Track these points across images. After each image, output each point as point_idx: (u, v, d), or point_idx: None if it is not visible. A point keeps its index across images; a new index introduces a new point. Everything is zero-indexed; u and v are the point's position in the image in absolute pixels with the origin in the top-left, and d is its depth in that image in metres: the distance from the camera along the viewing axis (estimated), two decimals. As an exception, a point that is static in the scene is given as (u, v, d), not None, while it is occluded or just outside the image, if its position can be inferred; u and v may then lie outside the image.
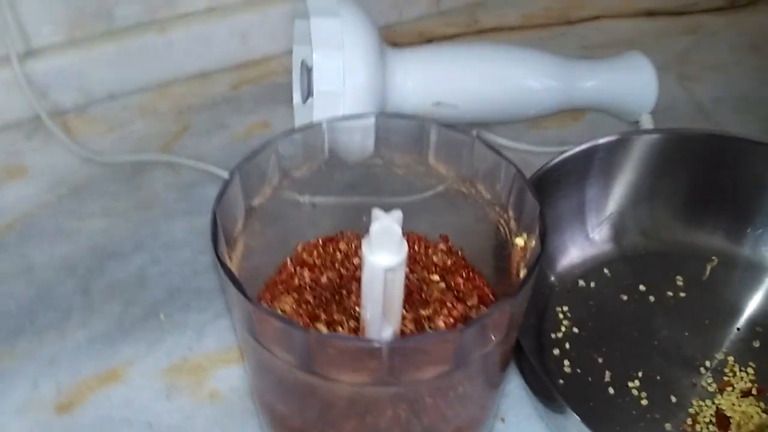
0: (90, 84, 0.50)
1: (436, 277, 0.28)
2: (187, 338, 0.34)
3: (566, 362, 0.33)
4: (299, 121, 0.47)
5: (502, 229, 0.25)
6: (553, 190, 0.33)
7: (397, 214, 0.23)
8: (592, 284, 0.36)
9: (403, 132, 0.27)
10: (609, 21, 0.63)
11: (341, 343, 0.18)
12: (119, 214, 0.41)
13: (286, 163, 0.26)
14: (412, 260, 0.28)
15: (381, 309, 0.24)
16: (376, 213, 0.23)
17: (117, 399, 0.32)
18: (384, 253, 0.22)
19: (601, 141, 0.35)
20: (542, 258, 0.20)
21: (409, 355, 0.19)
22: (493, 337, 0.20)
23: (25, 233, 0.40)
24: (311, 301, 0.27)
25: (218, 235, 0.21)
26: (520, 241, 0.24)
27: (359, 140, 0.28)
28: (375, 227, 0.22)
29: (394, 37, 0.57)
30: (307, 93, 0.41)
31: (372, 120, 0.27)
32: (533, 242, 0.23)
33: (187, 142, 0.47)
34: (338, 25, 0.38)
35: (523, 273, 0.23)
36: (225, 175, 0.43)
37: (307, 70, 0.41)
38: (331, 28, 0.38)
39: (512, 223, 0.25)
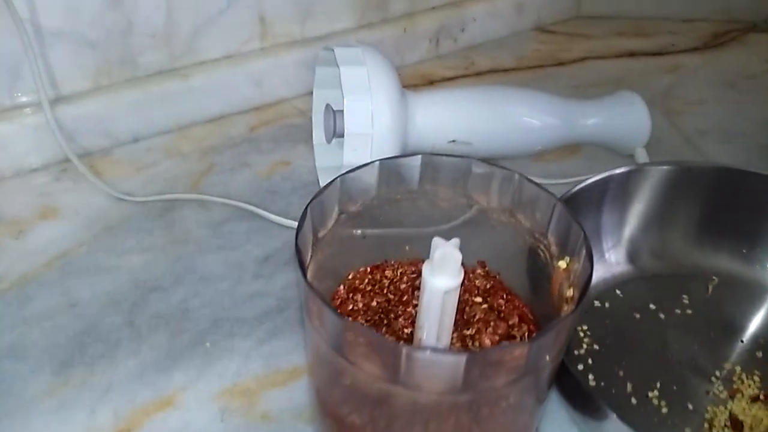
0: (116, 128, 0.52)
1: (478, 299, 0.31)
2: (235, 364, 0.36)
3: (590, 376, 0.36)
4: (320, 158, 0.50)
5: (542, 253, 0.28)
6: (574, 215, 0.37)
7: (456, 241, 0.25)
8: (607, 304, 0.39)
9: (446, 168, 0.30)
10: (595, 62, 0.68)
11: (430, 356, 0.21)
12: (156, 250, 0.43)
13: (345, 198, 0.29)
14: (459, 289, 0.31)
15: (437, 328, 0.26)
16: (437, 241, 0.25)
17: (173, 423, 0.33)
18: (444, 276, 0.25)
19: (616, 172, 0.38)
20: (592, 276, 0.23)
21: (487, 363, 0.21)
22: (554, 348, 0.23)
23: (65, 270, 0.42)
24: (364, 323, 0.30)
25: (303, 261, 0.24)
26: (562, 264, 0.27)
27: (406, 176, 0.30)
28: (437, 253, 0.25)
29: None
30: (333, 134, 0.44)
31: (419, 159, 0.30)
32: (576, 264, 0.26)
33: (213, 180, 0.49)
34: (365, 73, 0.41)
35: (569, 291, 0.26)
36: (256, 210, 0.46)
37: (333, 113, 0.44)
38: (359, 76, 0.41)
39: (552, 248, 0.28)
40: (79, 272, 0.42)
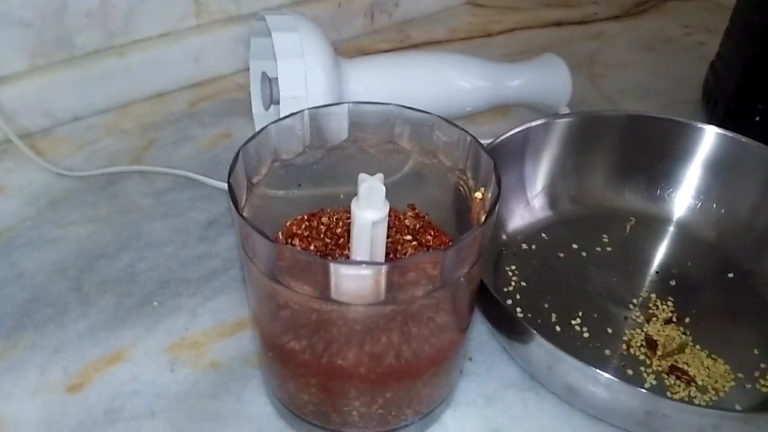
0: (55, 107, 0.52)
1: (408, 237, 0.33)
2: (182, 320, 0.38)
3: (518, 309, 0.38)
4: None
5: (462, 188, 0.31)
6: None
7: (380, 176, 0.28)
8: (533, 246, 0.42)
9: (372, 116, 0.32)
10: (524, 32, 0.71)
11: (354, 268, 0.23)
12: (100, 220, 0.44)
13: (277, 146, 0.31)
14: (387, 226, 0.33)
15: (368, 259, 0.29)
16: (363, 176, 0.27)
17: (124, 376, 0.35)
18: (370, 209, 0.27)
19: (533, 124, 0.41)
20: (500, 199, 0.26)
21: (404, 272, 0.23)
22: (468, 261, 0.25)
23: (11, 244, 0.42)
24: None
25: (236, 197, 0.26)
26: (478, 194, 0.29)
27: (335, 125, 0.32)
28: (363, 187, 0.27)
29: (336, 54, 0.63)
30: (269, 101, 0.46)
31: (346, 107, 0.32)
32: (490, 193, 0.28)
33: (155, 154, 0.50)
34: (297, 38, 0.43)
35: (484, 217, 0.28)
36: (198, 178, 0.47)
37: (268, 81, 0.45)
38: (291, 41, 0.43)
39: (470, 182, 0.30)
40: (24, 245, 0.42)
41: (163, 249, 0.42)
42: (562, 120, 0.42)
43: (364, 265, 0.23)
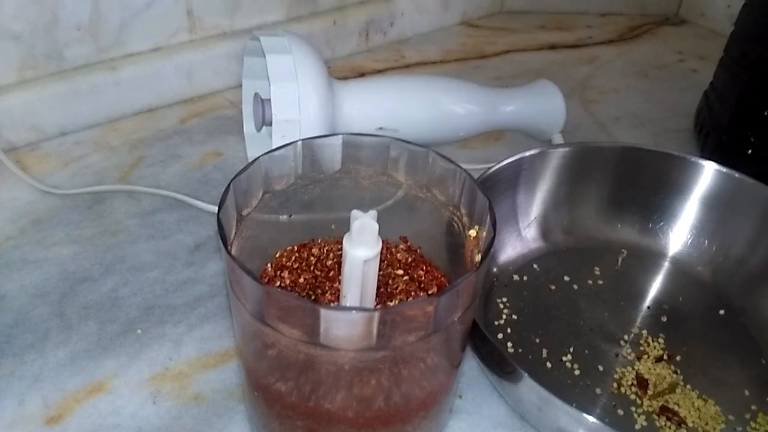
0: (42, 122, 0.52)
1: (400, 272, 0.32)
2: (166, 349, 0.37)
3: (509, 344, 0.38)
4: (251, 148, 0.51)
5: (455, 225, 0.30)
6: (489, 196, 0.39)
7: (373, 213, 0.27)
8: (525, 278, 0.42)
9: (367, 148, 0.31)
10: (518, 54, 0.71)
11: (346, 314, 0.22)
12: (84, 241, 0.43)
13: (269, 178, 0.30)
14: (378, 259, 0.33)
15: (359, 297, 0.28)
16: (356, 213, 0.27)
17: (104, 408, 0.34)
18: (362, 247, 0.27)
19: (527, 154, 0.41)
20: (495, 240, 0.25)
21: (397, 319, 0.23)
22: (461, 305, 0.24)
23: (-10, 264, 0.41)
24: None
25: (225, 234, 0.25)
26: (472, 232, 0.29)
27: (328, 157, 0.32)
28: (355, 225, 0.26)
29: (330, 72, 0.62)
30: (261, 122, 0.45)
31: (340, 138, 0.31)
32: (484, 232, 0.27)
33: (143, 173, 0.49)
34: (291, 60, 0.43)
35: (478, 256, 0.27)
36: (186, 199, 0.46)
37: (261, 102, 0.45)
38: (285, 64, 0.42)
39: (464, 219, 0.30)
40: (6, 265, 0.41)
41: (148, 273, 0.41)
42: (557, 150, 0.42)
43: (355, 311, 0.22)
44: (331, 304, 0.27)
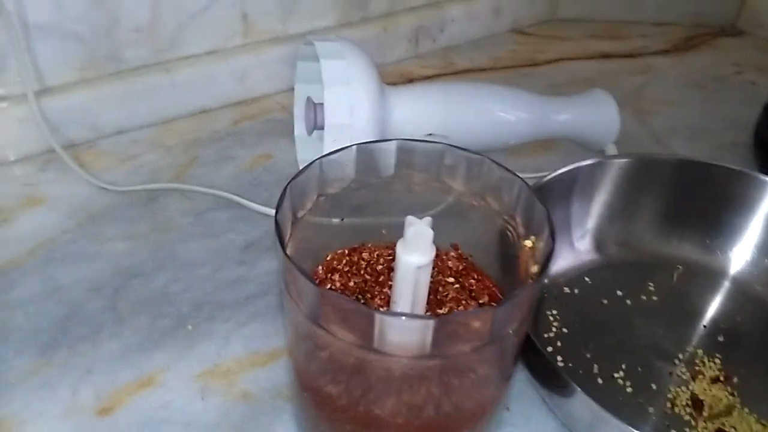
0: (100, 120, 0.53)
1: (451, 279, 0.32)
2: (215, 346, 0.37)
3: (559, 358, 0.37)
4: (302, 151, 0.51)
5: (510, 234, 0.30)
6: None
7: (428, 220, 0.27)
8: (576, 291, 0.41)
9: (420, 154, 0.31)
10: (570, 63, 0.70)
11: (401, 321, 0.22)
12: (138, 237, 0.44)
13: (324, 181, 0.30)
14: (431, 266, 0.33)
15: (410, 304, 0.28)
16: (411, 219, 0.27)
17: (154, 402, 0.34)
18: (416, 253, 0.26)
19: (583, 164, 0.40)
20: (554, 252, 0.25)
21: (453, 328, 0.23)
22: (517, 318, 0.24)
23: (49, 257, 0.43)
24: (340, 300, 0.31)
25: (282, 236, 0.25)
26: (528, 243, 0.28)
27: (382, 162, 0.32)
28: (410, 231, 0.26)
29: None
30: (313, 126, 0.45)
31: (394, 144, 0.31)
32: (541, 242, 0.27)
33: (196, 172, 0.50)
34: (345, 65, 0.43)
35: (534, 268, 0.27)
36: (238, 200, 0.47)
37: (313, 106, 0.45)
38: (339, 69, 0.43)
39: (520, 229, 0.29)
40: (62, 259, 0.43)
41: (199, 270, 0.42)
42: (613, 161, 0.41)
43: (411, 318, 0.22)
44: (387, 310, 0.27)
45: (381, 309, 0.30)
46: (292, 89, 0.52)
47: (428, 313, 0.30)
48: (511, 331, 0.25)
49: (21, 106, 0.49)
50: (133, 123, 0.54)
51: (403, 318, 0.22)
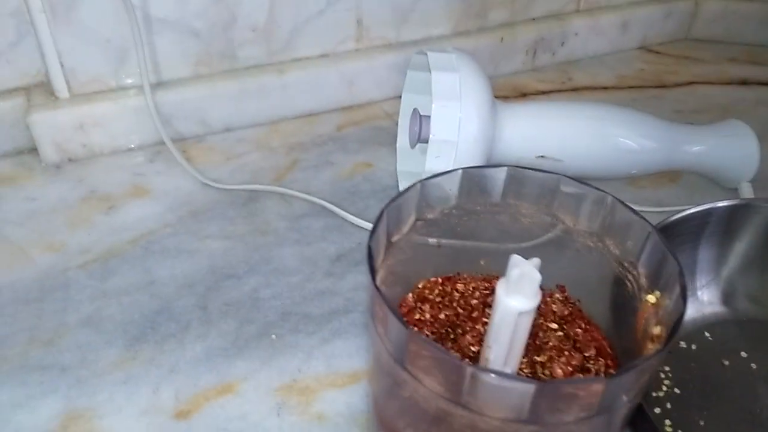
0: (210, 116, 0.54)
1: (554, 325, 0.29)
2: (297, 360, 0.36)
3: (667, 422, 0.33)
4: (402, 163, 0.49)
5: (629, 284, 0.26)
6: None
7: (536, 261, 0.24)
8: (694, 346, 0.36)
9: (532, 184, 0.29)
10: (703, 87, 0.64)
11: (497, 379, 0.20)
12: (235, 237, 0.44)
13: (423, 205, 0.28)
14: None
15: (506, 351, 0.25)
16: (516, 259, 0.24)
17: (231, 411, 0.34)
18: (520, 297, 0.24)
19: (719, 205, 0.36)
20: (684, 315, 0.21)
21: (557, 395, 0.20)
22: (633, 389, 0.21)
23: (148, 249, 0.43)
24: (429, 335, 0.29)
25: (374, 266, 0.23)
26: (651, 298, 0.25)
27: (488, 188, 0.29)
28: (515, 272, 0.23)
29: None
30: (417, 139, 0.43)
31: (504, 171, 0.29)
32: (668, 300, 0.24)
33: (297, 176, 0.50)
34: (457, 79, 0.40)
35: (656, 329, 0.24)
36: (333, 209, 0.46)
37: (419, 118, 0.43)
38: (450, 82, 0.40)
39: (642, 280, 0.26)
40: (161, 252, 0.43)
41: (289, 278, 0.41)
42: (755, 204, 0.36)
43: (509, 379, 0.20)
44: (481, 365, 0.25)
45: (468, 351, 0.28)
46: (400, 97, 0.51)
47: (525, 363, 0.27)
48: (624, 400, 0.22)
49: (137, 97, 0.50)
50: (241, 121, 0.55)
51: (499, 377, 0.20)
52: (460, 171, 0.28)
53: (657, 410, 0.33)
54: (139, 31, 0.48)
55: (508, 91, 0.62)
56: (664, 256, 0.24)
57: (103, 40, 0.49)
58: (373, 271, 0.23)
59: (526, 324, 0.25)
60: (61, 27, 0.47)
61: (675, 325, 0.21)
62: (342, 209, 0.46)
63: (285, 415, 0.33)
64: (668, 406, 0.34)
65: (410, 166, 0.49)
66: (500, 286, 0.24)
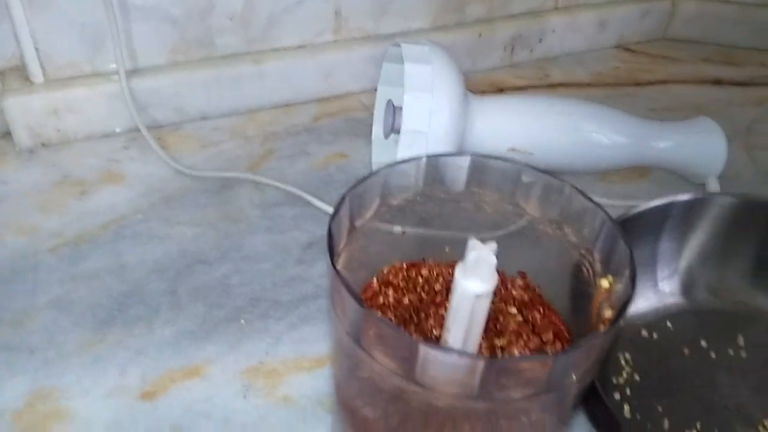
0: (186, 104, 0.54)
1: (513, 310, 0.30)
2: (265, 344, 0.36)
3: (626, 407, 0.34)
4: (377, 154, 0.50)
5: (585, 270, 0.27)
6: (629, 239, 0.35)
7: (493, 246, 0.25)
8: (655, 335, 0.37)
9: (495, 172, 0.29)
10: (677, 86, 0.65)
11: (447, 356, 0.20)
12: (207, 224, 0.44)
13: (387, 191, 0.29)
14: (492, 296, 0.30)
15: (464, 333, 0.26)
16: (474, 243, 0.25)
17: (197, 393, 0.34)
18: (477, 280, 0.24)
19: (679, 198, 0.36)
20: (632, 298, 0.22)
21: (505, 372, 0.20)
22: (581, 367, 0.21)
23: (119, 234, 0.43)
24: (392, 319, 0.29)
25: (333, 247, 0.24)
26: (605, 283, 0.25)
27: (452, 176, 0.30)
28: (472, 255, 0.24)
29: (468, 86, 0.60)
30: (390, 129, 0.44)
31: (467, 160, 0.29)
32: (619, 285, 0.24)
33: (271, 165, 0.50)
34: (430, 71, 0.41)
35: (608, 313, 0.24)
36: (307, 197, 0.46)
37: (393, 109, 0.43)
38: (423, 74, 0.41)
39: (597, 265, 0.26)
40: (132, 237, 0.43)
41: (260, 264, 0.42)
42: (714, 199, 0.37)
43: (458, 355, 0.20)
44: (434, 341, 0.25)
45: (430, 335, 0.28)
46: (376, 89, 0.51)
47: (484, 346, 0.28)
48: (573, 379, 0.22)
49: (113, 83, 0.50)
50: (217, 110, 0.55)
51: (449, 353, 0.20)
52: (424, 158, 0.29)
53: (617, 395, 0.34)
54: (115, 17, 0.48)
55: (485, 87, 0.63)
56: (616, 242, 0.24)
57: (79, 25, 0.48)
58: (332, 253, 0.24)
59: (483, 306, 0.25)
60: (36, 11, 0.47)
61: (622, 306, 0.22)
62: (316, 198, 0.46)
63: (251, 398, 0.34)
64: (628, 392, 0.35)
65: (385, 157, 0.49)
66: (458, 269, 0.25)
